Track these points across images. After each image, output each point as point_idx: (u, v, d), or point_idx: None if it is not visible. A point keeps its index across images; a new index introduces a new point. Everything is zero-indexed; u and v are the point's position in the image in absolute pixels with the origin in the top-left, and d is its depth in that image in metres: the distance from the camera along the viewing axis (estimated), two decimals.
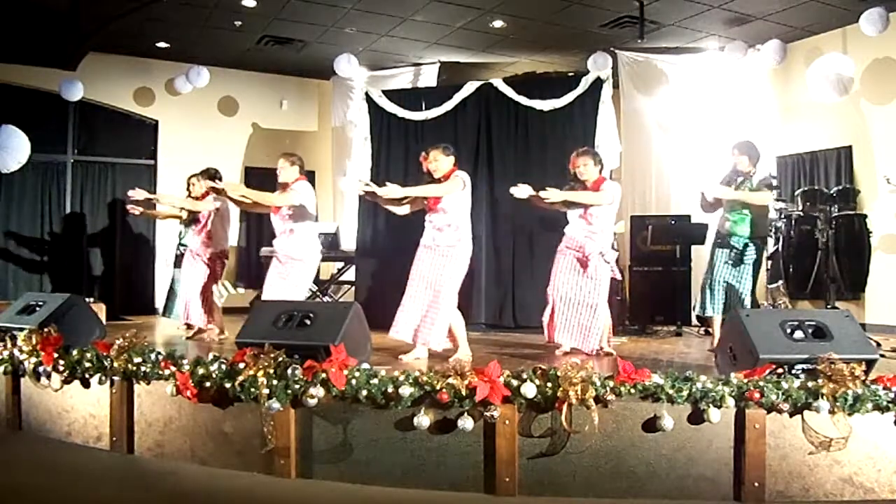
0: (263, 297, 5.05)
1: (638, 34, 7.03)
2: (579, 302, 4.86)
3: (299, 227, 5.12)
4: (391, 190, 4.70)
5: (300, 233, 5.13)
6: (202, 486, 3.49)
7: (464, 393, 3.26)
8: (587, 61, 8.11)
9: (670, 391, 3.20)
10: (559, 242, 5.09)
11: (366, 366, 3.56)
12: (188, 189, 6.21)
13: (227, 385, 3.56)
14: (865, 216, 6.87)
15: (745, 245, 4.99)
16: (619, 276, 5.13)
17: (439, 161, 4.74)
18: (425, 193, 4.76)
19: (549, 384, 3.25)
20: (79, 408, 4.15)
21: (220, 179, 5.97)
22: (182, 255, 6.17)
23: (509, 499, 3.27)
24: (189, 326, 5.99)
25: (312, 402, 3.40)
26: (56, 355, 4.13)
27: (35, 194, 8.51)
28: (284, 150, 9.32)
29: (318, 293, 8.09)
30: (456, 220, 4.75)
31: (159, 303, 8.82)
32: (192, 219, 6.02)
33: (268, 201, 5.14)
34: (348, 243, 7.86)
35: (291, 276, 5.08)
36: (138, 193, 5.66)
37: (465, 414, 3.28)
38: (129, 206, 6.28)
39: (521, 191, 4.83)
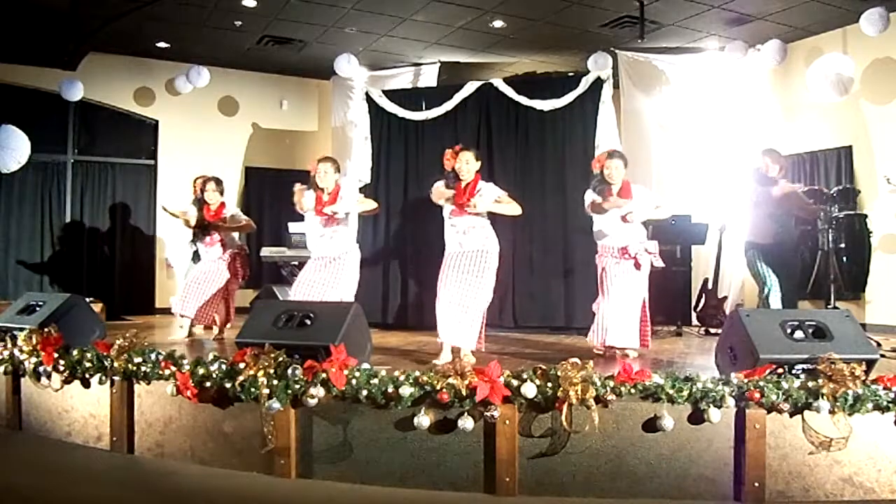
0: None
1: (638, 34, 7.04)
2: (632, 302, 4.82)
3: (342, 229, 5.07)
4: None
5: (344, 232, 5.08)
6: (202, 486, 3.49)
7: (464, 393, 3.26)
8: (587, 61, 8.12)
9: (670, 391, 3.20)
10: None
11: (366, 366, 3.56)
12: (194, 191, 6.20)
13: (227, 385, 3.56)
14: (865, 216, 6.87)
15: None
16: (662, 264, 5.04)
17: (471, 164, 4.71)
18: (510, 212, 4.77)
19: (549, 384, 3.25)
20: (79, 408, 4.15)
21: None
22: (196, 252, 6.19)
23: (509, 499, 3.27)
24: (193, 324, 5.96)
25: (312, 402, 3.40)
26: (56, 355, 4.13)
27: (35, 194, 8.51)
28: (284, 149, 9.50)
29: None
30: (481, 221, 4.73)
31: (160, 303, 8.85)
32: (203, 232, 5.94)
33: (371, 210, 5.21)
34: None
35: (340, 276, 4.99)
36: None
37: (465, 414, 3.28)
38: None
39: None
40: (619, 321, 4.77)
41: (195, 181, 6.45)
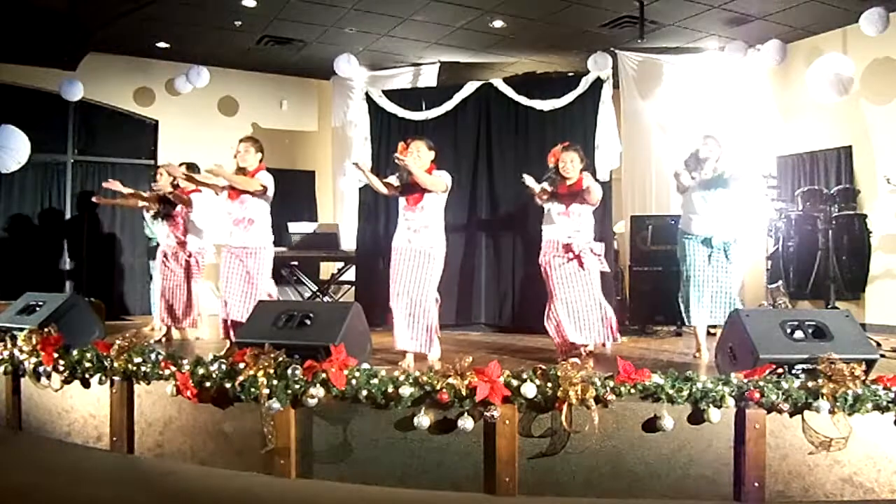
0: (228, 300, 4.75)
1: (638, 34, 7.03)
2: (587, 299, 4.68)
3: (259, 218, 4.85)
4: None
5: (260, 223, 4.86)
6: (202, 486, 3.49)
7: (464, 393, 3.27)
8: (587, 61, 8.11)
9: (670, 391, 3.20)
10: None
11: (366, 366, 3.56)
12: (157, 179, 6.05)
13: (227, 385, 3.57)
14: (865, 216, 6.87)
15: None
16: (607, 269, 4.90)
17: (422, 154, 4.57)
18: (418, 175, 4.49)
19: (549, 384, 3.25)
20: (79, 408, 4.16)
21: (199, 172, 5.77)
22: (156, 248, 6.00)
23: (509, 499, 3.27)
24: (166, 326, 5.80)
25: (312, 402, 3.41)
26: (56, 355, 4.14)
27: (35, 194, 8.50)
28: (284, 149, 9.49)
29: (318, 293, 8.09)
30: (434, 221, 4.63)
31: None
32: (165, 213, 5.79)
33: (243, 184, 4.73)
34: (348, 243, 7.86)
35: (259, 269, 4.82)
36: (114, 185, 5.80)
37: (465, 414, 3.28)
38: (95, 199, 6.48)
39: (530, 180, 4.71)
40: (574, 321, 4.66)
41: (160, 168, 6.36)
